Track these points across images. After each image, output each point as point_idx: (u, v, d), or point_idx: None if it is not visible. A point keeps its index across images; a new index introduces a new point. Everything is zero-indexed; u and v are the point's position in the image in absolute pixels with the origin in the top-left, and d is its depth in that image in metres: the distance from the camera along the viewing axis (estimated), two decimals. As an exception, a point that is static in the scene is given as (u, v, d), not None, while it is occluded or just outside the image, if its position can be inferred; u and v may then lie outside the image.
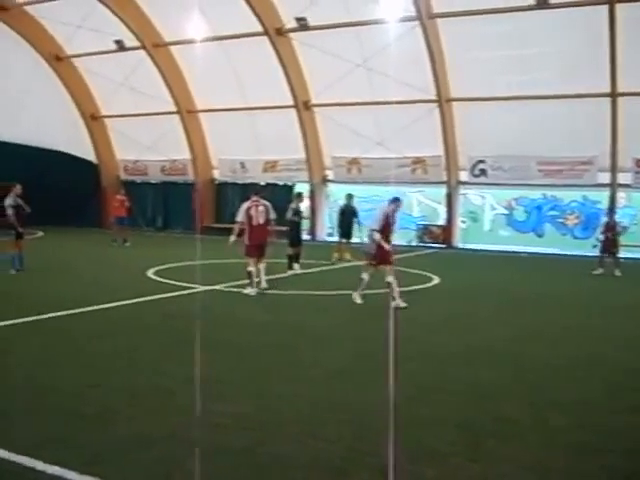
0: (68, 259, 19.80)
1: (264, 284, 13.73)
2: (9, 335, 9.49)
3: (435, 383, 7.42)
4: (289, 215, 17.57)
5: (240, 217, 13.62)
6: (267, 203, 13.89)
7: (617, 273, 18.09)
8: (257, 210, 13.58)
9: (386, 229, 12.12)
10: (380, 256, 12.07)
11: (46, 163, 28.82)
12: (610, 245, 18.51)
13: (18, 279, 15.16)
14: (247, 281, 13.49)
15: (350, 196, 20.79)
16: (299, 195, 18.83)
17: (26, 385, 7.01)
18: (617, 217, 19.92)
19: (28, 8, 28.75)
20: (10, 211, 15.87)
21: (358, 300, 12.41)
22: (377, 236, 11.98)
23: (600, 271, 18.32)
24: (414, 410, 6.34)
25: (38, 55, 30.27)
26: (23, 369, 7.62)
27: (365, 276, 12.38)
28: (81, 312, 11.04)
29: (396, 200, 12.42)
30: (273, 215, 13.88)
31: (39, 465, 4.92)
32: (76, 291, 13.57)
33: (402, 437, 5.33)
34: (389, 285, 11.96)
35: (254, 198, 13.82)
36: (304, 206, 20.32)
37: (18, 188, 16.27)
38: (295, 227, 17.58)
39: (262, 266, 13.73)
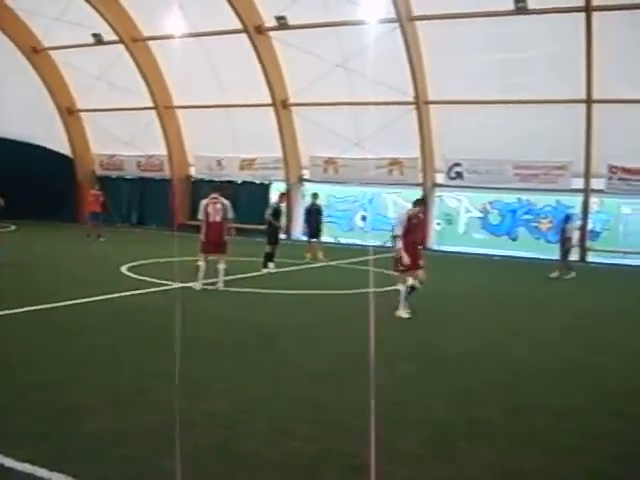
0: (41, 253, 19.52)
1: (221, 285, 13.56)
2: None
3: (417, 385, 7.43)
4: (268, 213, 17.53)
5: (201, 215, 13.65)
6: (226, 201, 13.78)
7: (552, 274, 18.51)
8: (214, 208, 13.57)
9: (412, 233, 11.46)
10: (413, 261, 11.37)
11: (21, 156, 28.48)
12: (562, 248, 19.11)
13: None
14: (216, 279, 13.52)
15: (315, 195, 20.83)
16: (282, 195, 18.80)
17: (-4, 380, 6.92)
18: (574, 223, 20.31)
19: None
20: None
21: (405, 315, 11.23)
22: (398, 244, 11.29)
23: (572, 274, 18.64)
24: (393, 412, 6.30)
25: (14, 47, 29.85)
26: (-7, 364, 7.52)
27: (401, 287, 11.40)
28: (53, 307, 10.91)
29: (418, 202, 12.07)
30: (231, 214, 13.77)
31: (8, 462, 4.85)
32: (48, 286, 13.40)
33: (378, 438, 5.32)
34: (412, 289, 11.44)
35: (213, 195, 13.81)
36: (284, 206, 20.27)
37: (-9, 181, 16.06)
38: (273, 225, 17.49)
39: (222, 267, 13.58)
